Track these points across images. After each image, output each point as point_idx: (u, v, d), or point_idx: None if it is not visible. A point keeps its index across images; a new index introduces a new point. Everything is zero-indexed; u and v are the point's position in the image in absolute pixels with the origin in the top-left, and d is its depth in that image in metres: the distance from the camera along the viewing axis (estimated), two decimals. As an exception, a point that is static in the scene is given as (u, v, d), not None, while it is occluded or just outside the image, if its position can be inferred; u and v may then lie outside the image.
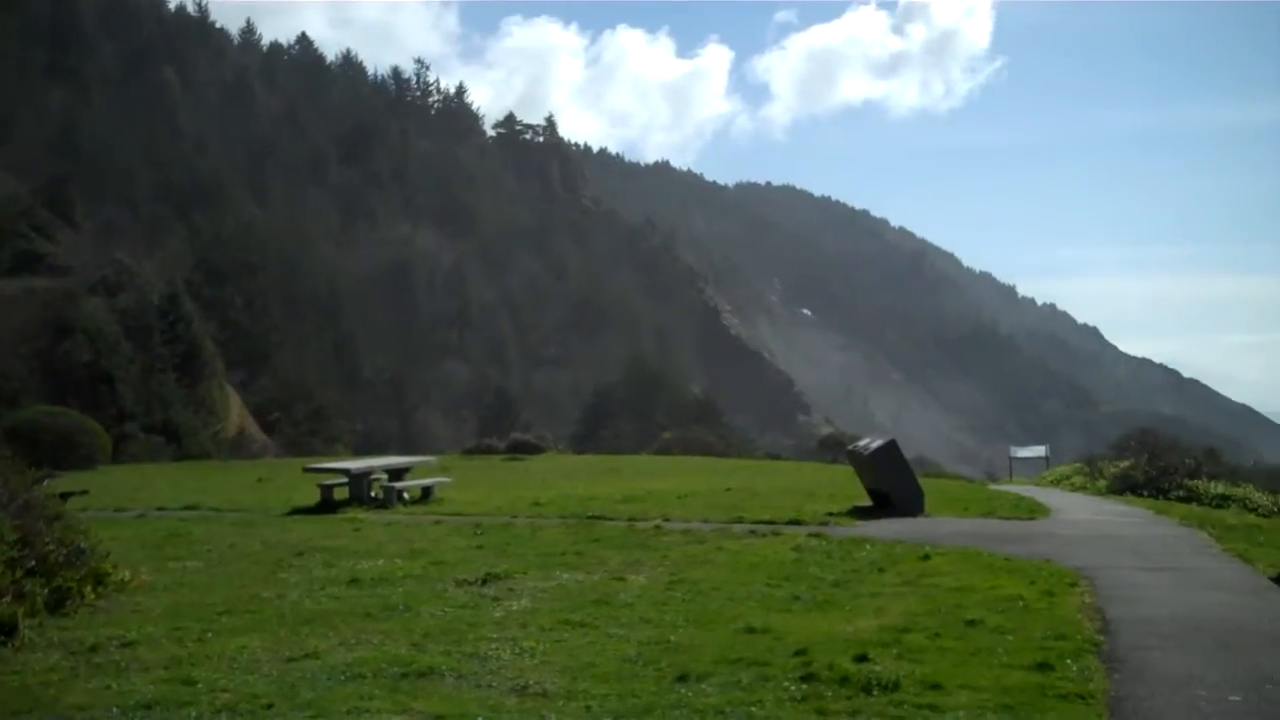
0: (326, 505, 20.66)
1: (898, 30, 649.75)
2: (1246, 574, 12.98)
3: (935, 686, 7.62)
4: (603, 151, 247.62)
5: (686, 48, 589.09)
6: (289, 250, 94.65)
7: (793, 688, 7.66)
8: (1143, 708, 7.26)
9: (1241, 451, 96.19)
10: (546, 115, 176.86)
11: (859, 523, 17.82)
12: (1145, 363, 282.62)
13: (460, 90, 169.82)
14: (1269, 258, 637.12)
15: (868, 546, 14.61)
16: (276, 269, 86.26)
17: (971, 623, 9.71)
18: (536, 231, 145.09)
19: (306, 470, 23.72)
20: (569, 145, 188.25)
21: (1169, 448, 34.68)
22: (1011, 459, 52.67)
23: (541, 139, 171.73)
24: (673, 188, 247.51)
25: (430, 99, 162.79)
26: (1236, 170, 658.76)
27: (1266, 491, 27.52)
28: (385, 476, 22.14)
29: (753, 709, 7.17)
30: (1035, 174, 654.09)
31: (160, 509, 20.88)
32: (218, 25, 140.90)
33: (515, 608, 10.70)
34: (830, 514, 18.68)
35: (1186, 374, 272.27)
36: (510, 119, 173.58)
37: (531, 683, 7.89)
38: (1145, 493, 28.24)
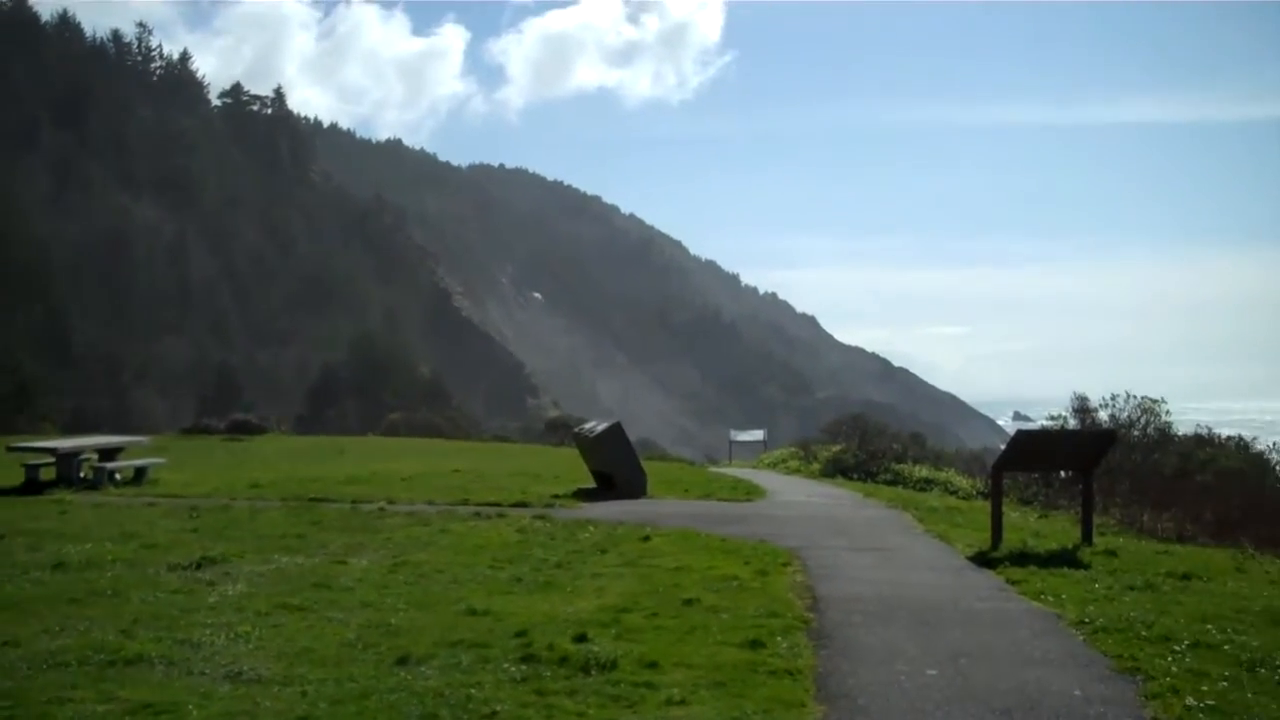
0: (31, 486, 19.86)
1: (632, 20, 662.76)
2: (946, 554, 13.77)
3: (652, 665, 7.83)
4: (333, 127, 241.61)
5: (422, 26, 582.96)
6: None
7: (513, 669, 7.75)
8: (847, 682, 7.62)
9: (945, 437, 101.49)
10: (275, 87, 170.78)
11: (583, 505, 18.12)
12: (858, 351, 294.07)
13: (185, 57, 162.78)
14: (977, 252, 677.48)
15: (591, 528, 14.87)
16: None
17: (688, 602, 10.01)
18: (263, 206, 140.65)
19: (10, 449, 22.69)
20: (298, 119, 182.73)
21: (878, 433, 36.42)
22: (731, 442, 54.11)
23: (270, 111, 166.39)
24: (405, 166, 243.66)
25: (152, 65, 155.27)
26: (952, 168, 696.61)
27: (966, 475, 29.20)
28: (96, 456, 21.43)
29: (472, 691, 7.21)
30: (761, 167, 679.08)
31: None
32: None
33: (231, 592, 10.46)
34: (555, 496, 18.94)
35: (896, 363, 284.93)
36: (237, 89, 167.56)
37: (246, 669, 7.73)
38: (856, 476, 29.57)
